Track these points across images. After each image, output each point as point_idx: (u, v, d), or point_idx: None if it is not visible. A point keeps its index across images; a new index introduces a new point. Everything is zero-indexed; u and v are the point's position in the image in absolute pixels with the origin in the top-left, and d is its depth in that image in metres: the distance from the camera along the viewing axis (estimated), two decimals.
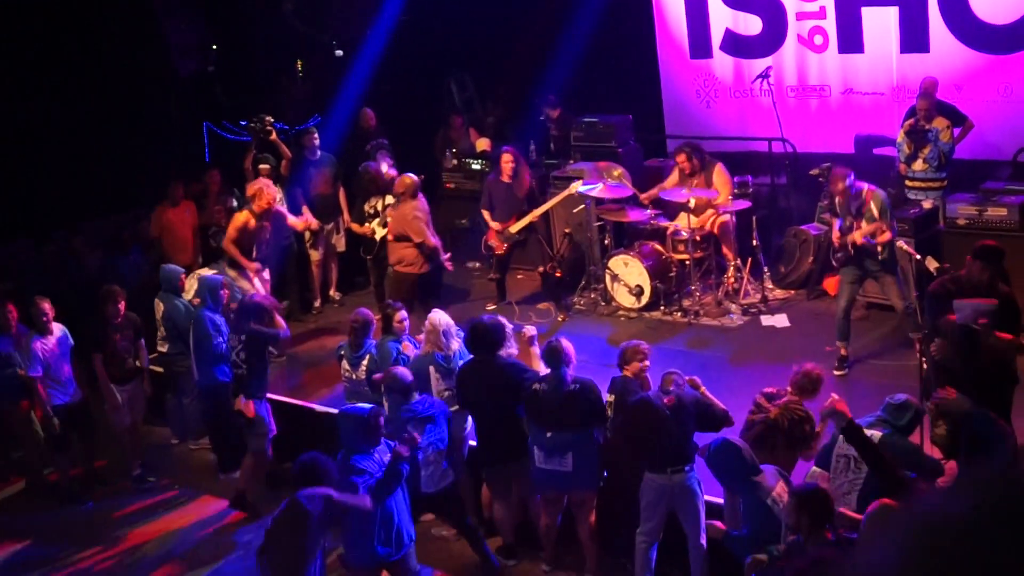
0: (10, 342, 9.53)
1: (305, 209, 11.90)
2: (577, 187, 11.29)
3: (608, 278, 11.42)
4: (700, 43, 13.66)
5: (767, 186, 12.49)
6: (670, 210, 11.60)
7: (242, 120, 13.27)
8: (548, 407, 7.46)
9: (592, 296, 11.77)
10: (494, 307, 11.56)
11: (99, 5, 14.09)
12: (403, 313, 8.91)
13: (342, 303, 12.50)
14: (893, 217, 9.44)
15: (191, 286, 10.13)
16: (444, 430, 7.76)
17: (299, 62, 16.04)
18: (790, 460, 7.11)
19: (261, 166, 12.03)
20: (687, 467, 7.06)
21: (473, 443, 8.43)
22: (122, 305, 9.66)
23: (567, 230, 12.00)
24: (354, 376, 8.90)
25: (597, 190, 11.31)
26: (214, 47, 15.82)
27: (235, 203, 12.32)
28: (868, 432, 6.28)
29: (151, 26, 14.91)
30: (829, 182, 9.63)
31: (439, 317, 8.39)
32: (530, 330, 8.69)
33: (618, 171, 11.73)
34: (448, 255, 11.07)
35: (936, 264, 9.60)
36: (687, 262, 11.15)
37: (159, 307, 10.19)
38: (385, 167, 12.00)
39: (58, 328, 9.64)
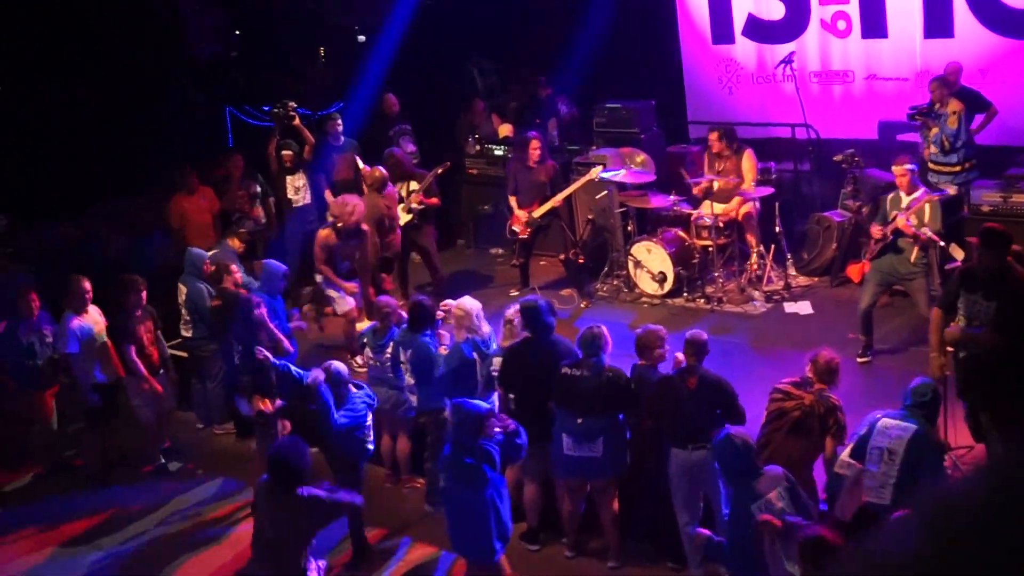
0: (30, 330, 9.62)
1: (328, 194, 11.94)
2: (599, 171, 11.28)
3: (631, 264, 11.43)
4: (722, 28, 13.62)
5: (790, 172, 12.46)
6: (693, 196, 11.59)
7: (265, 105, 13.31)
8: (584, 393, 7.47)
9: (615, 282, 11.78)
10: (517, 293, 11.58)
11: None
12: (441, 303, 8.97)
13: None
14: (943, 224, 9.27)
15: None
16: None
17: (321, 48, 16.06)
18: (820, 446, 7.14)
19: (284, 152, 12.06)
20: (709, 445, 7.10)
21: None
22: (143, 295, 9.68)
23: (590, 216, 12.01)
24: (378, 363, 8.95)
25: (620, 176, 11.31)
26: (236, 32, 15.83)
27: (258, 188, 12.36)
28: (899, 425, 6.31)
29: (171, 10, 14.94)
30: (894, 163, 9.46)
31: (470, 303, 8.44)
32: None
33: (641, 157, 11.72)
34: None
35: (962, 252, 9.61)
36: (710, 248, 11.14)
37: (182, 291, 10.23)
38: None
39: (93, 308, 9.71)
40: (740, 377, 8.13)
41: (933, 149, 10.73)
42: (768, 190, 11.24)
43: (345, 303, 10.45)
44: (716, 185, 10.93)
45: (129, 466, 10.09)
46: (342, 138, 12.49)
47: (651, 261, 11.25)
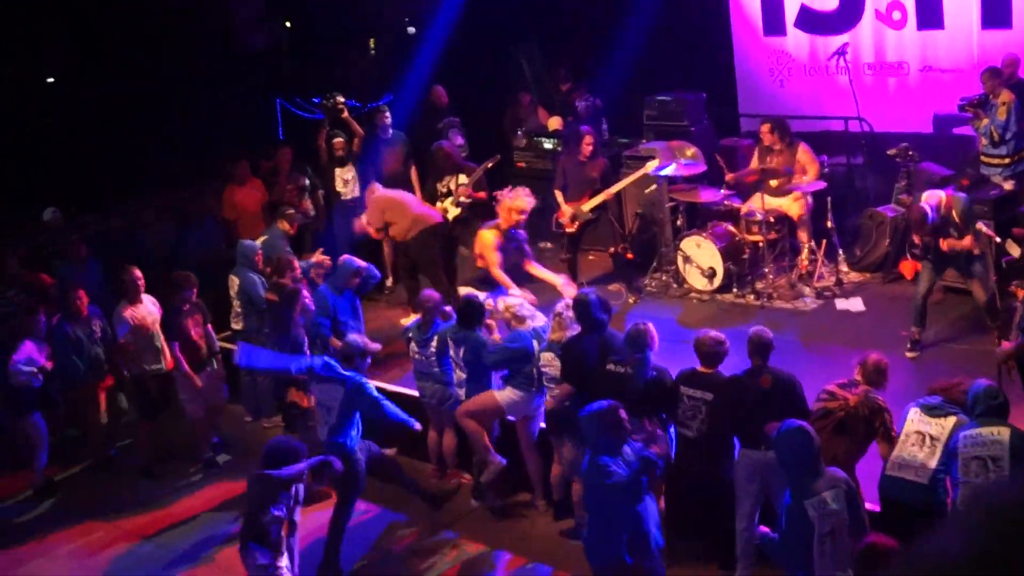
0: (79, 325, 9.71)
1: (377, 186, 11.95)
2: (652, 167, 11.19)
3: (680, 259, 11.32)
4: (774, 20, 13.45)
5: (843, 166, 12.28)
6: (743, 190, 11.47)
7: (314, 97, 13.34)
8: (628, 390, 7.41)
9: (664, 278, 11.69)
10: None
11: None
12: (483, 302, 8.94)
13: None
14: (974, 219, 9.12)
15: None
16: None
17: (371, 40, 16.08)
18: (863, 449, 7.04)
19: (335, 140, 12.10)
20: None
21: (543, 424, 8.47)
22: (195, 291, 9.74)
23: (638, 211, 11.93)
24: (423, 357, 8.94)
25: (670, 170, 11.21)
26: (287, 24, 15.88)
27: (307, 181, 12.41)
28: (989, 432, 6.26)
29: (220, 1, 15.00)
30: (911, 223, 9.34)
31: (513, 299, 8.52)
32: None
33: (691, 150, 11.59)
34: None
35: (1019, 249, 9.44)
36: (760, 244, 11.01)
37: (234, 283, 10.28)
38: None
39: (147, 298, 9.80)
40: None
41: (983, 141, 10.58)
42: (820, 184, 11.09)
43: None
44: (774, 183, 10.83)
45: (179, 459, 10.17)
46: (391, 131, 12.50)
47: (700, 256, 11.14)
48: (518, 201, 9.96)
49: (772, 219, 10.96)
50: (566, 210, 11.55)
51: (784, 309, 10.78)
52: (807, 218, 11.17)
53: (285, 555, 7.07)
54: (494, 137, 13.90)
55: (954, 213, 9.03)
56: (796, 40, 13.37)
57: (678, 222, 11.63)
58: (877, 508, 6.85)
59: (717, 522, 7.49)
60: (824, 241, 11.10)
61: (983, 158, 10.67)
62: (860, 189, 12.21)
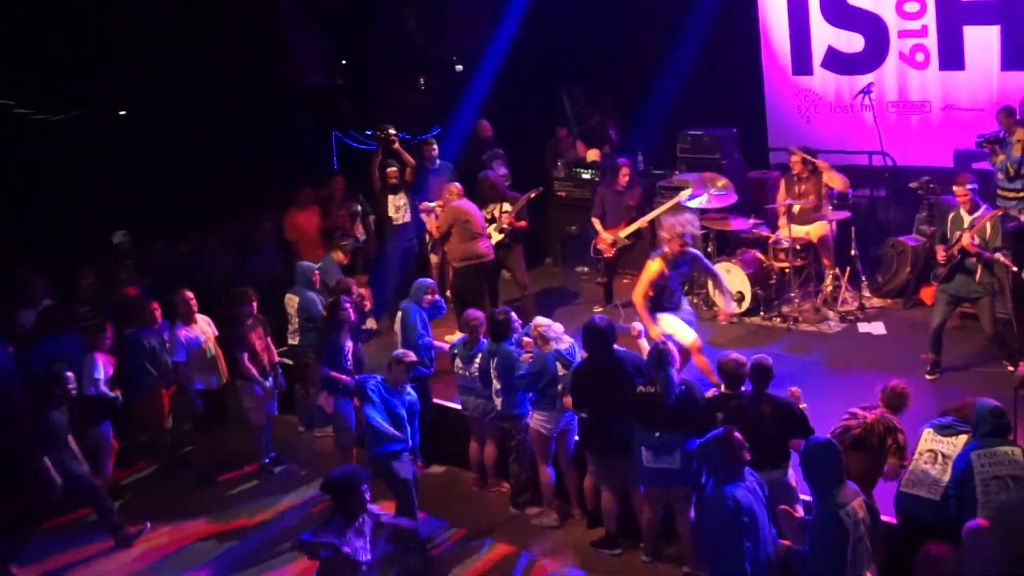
0: (153, 336, 9.93)
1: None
2: (684, 196, 11.29)
3: (710, 283, 11.40)
4: (802, 61, 13.56)
5: (866, 198, 12.35)
6: (771, 219, 11.54)
7: (367, 130, 13.56)
8: (660, 408, 7.48)
9: (695, 300, 11.75)
10: (601, 309, 11.63)
11: (236, 24, 14.50)
12: (512, 316, 9.05)
13: None
14: (1004, 240, 9.23)
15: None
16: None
17: (421, 77, 16.30)
18: (879, 467, 7.07)
19: (388, 169, 12.30)
20: (785, 463, 7.10)
21: (577, 438, 8.55)
22: (254, 305, 9.95)
23: None
24: (467, 373, 9.07)
25: (702, 200, 11.31)
26: (343, 62, 16.13)
27: (359, 208, 12.70)
28: (1004, 452, 6.28)
29: (284, 42, 15.27)
30: (956, 182, 9.38)
31: (541, 320, 8.61)
32: (636, 326, 8.85)
33: (722, 181, 11.69)
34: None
35: None
36: (787, 270, 11.08)
37: (292, 301, 10.45)
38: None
39: (201, 319, 9.99)
40: (815, 395, 8.08)
41: (1000, 176, 10.61)
42: (845, 214, 11.15)
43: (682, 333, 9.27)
44: (796, 208, 10.88)
45: (236, 467, 10.33)
46: (438, 161, 12.67)
47: (730, 280, 11.20)
48: (688, 227, 9.38)
49: (798, 247, 11.02)
50: (605, 236, 11.69)
51: (809, 332, 10.84)
52: (830, 243, 11.21)
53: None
54: (535, 168, 14.06)
55: (988, 224, 9.12)
56: (823, 79, 13.45)
57: (709, 249, 11.74)
58: (893, 520, 6.87)
59: None
60: (848, 268, 11.14)
61: (999, 192, 10.68)
62: (883, 220, 12.27)
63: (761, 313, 11.21)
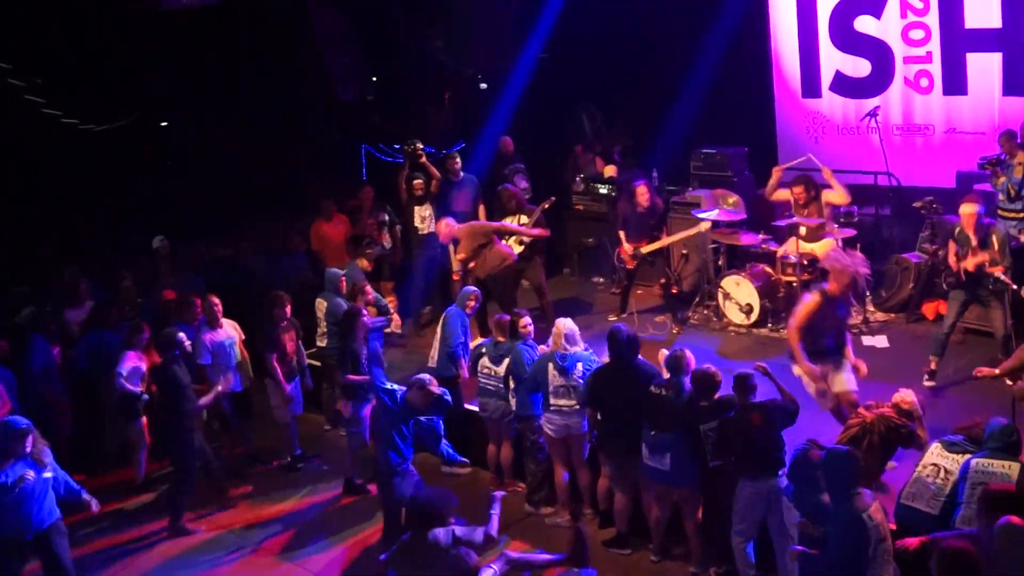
0: (191, 332, 9.93)
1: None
2: (707, 226, 11.31)
3: (720, 296, 11.38)
4: (811, 84, 13.52)
5: (871, 216, 12.31)
6: (779, 235, 11.50)
7: (395, 144, 13.59)
8: (665, 410, 7.49)
9: (705, 312, 11.74)
10: (616, 318, 11.62)
11: (274, 41, 14.58)
12: (527, 319, 9.06)
13: None
14: (1009, 253, 9.20)
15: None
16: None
17: (447, 93, 16.33)
18: (880, 464, 7.03)
19: (415, 181, 12.32)
20: (779, 472, 7.05)
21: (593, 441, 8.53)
22: (288, 309, 9.96)
23: (684, 251, 12.09)
24: (493, 372, 9.06)
25: (713, 215, 11.33)
26: (374, 78, 16.19)
27: (386, 217, 12.75)
28: (1000, 464, 6.25)
29: (316, 58, 15.33)
30: (963, 202, 9.38)
31: (565, 323, 8.52)
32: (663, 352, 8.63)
33: (733, 198, 11.73)
34: None
35: None
36: (794, 283, 11.03)
37: (321, 305, 10.47)
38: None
39: (227, 323, 10.00)
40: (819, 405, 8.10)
41: (1001, 197, 10.56)
42: (850, 232, 11.10)
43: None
44: (803, 230, 10.85)
45: (262, 463, 10.35)
46: (461, 174, 12.68)
47: (739, 293, 11.19)
48: (862, 268, 8.46)
49: (805, 262, 10.97)
50: (627, 247, 11.69)
51: None
52: None
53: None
54: (555, 182, 14.07)
55: (994, 238, 9.12)
56: (831, 102, 13.41)
57: (719, 262, 11.75)
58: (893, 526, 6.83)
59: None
60: None
61: (1000, 212, 10.63)
62: (887, 237, 12.23)
63: (769, 325, 11.16)
